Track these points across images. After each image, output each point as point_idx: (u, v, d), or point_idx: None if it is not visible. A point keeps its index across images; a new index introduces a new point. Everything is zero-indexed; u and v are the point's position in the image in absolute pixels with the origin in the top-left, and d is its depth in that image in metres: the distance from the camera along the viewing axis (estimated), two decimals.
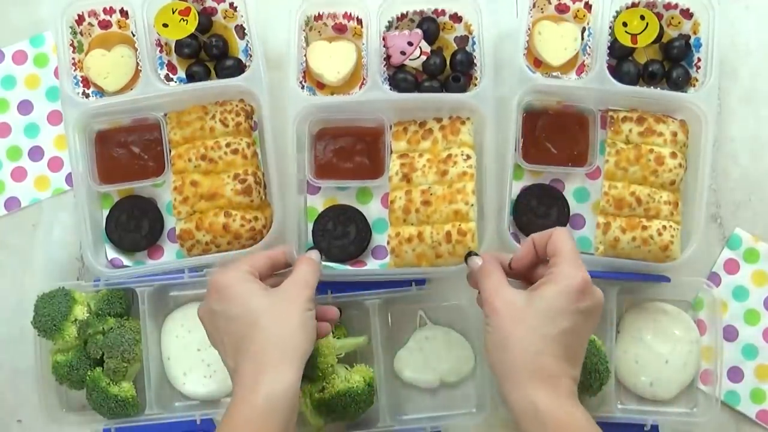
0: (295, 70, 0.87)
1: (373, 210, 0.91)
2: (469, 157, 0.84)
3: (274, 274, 0.77)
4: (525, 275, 0.74)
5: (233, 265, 0.72)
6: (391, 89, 0.88)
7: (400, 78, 0.89)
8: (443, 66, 0.89)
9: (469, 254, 0.75)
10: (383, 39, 0.87)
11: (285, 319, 0.68)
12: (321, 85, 0.91)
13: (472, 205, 0.82)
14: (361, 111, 0.88)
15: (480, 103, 0.85)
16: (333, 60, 0.89)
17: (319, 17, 0.91)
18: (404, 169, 0.85)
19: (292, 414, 0.67)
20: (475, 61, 0.88)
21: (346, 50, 0.90)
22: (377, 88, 0.86)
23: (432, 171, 0.84)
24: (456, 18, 0.90)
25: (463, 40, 0.91)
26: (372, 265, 0.90)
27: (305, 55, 0.90)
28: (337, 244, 0.88)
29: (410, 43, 0.87)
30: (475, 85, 0.88)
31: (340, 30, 0.92)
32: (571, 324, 0.66)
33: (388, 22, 0.89)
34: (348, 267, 0.89)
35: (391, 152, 0.87)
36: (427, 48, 0.88)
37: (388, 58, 0.89)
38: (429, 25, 0.90)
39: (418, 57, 0.88)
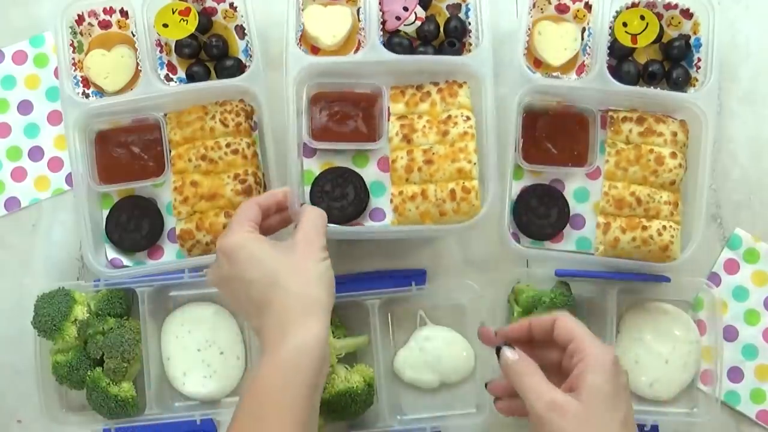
0: (294, 33, 0.87)
1: (369, 173, 0.90)
2: (468, 118, 0.84)
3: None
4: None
5: (236, 225, 0.71)
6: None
7: (395, 43, 0.89)
8: (437, 32, 0.91)
9: (501, 348, 0.70)
10: (379, 3, 0.88)
11: (302, 275, 0.68)
12: (315, 50, 0.92)
13: (475, 163, 0.83)
14: (359, 74, 0.88)
15: (478, 66, 0.85)
16: (329, 24, 0.90)
17: None
18: (404, 130, 0.85)
19: (322, 365, 0.66)
20: (469, 27, 0.90)
21: (342, 14, 0.90)
22: (375, 50, 0.86)
23: (432, 131, 0.84)
24: None
25: (455, 8, 0.92)
26: (370, 228, 0.89)
27: (302, 20, 0.90)
28: (335, 206, 0.87)
29: (406, 8, 0.89)
30: (470, 51, 0.89)
31: None
32: (625, 403, 0.65)
33: None
34: (347, 228, 0.87)
35: (389, 115, 0.87)
36: (422, 14, 0.90)
37: (383, 23, 0.89)
38: None
39: (413, 22, 0.89)
